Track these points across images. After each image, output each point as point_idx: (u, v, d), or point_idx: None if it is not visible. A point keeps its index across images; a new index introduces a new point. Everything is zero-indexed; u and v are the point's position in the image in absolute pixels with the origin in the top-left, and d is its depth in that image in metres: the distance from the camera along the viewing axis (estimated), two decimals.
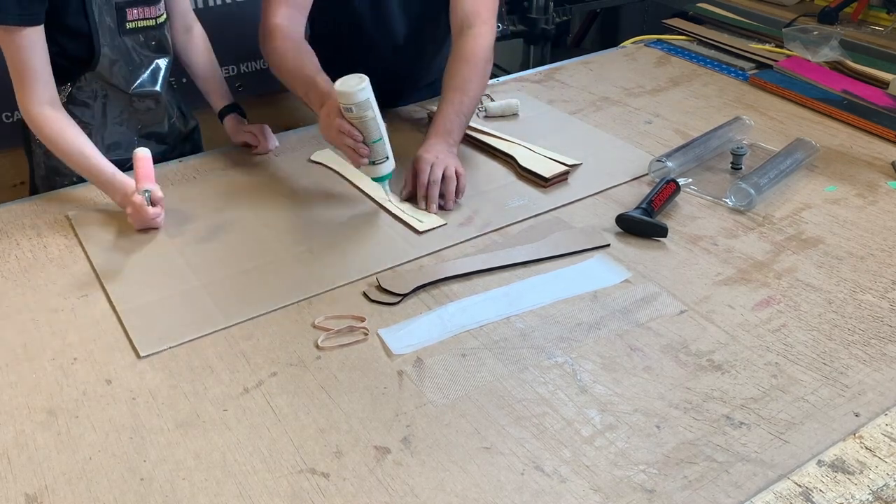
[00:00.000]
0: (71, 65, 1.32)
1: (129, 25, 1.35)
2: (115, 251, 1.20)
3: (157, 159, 1.48)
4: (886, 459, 0.85)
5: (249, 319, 1.06)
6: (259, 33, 1.43)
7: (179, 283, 1.13)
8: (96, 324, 1.06)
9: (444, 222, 1.27)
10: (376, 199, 1.32)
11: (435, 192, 1.30)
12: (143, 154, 1.24)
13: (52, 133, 1.27)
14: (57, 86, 1.29)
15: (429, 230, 1.25)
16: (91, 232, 1.25)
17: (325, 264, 1.17)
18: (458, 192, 1.32)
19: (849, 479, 0.82)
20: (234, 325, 1.05)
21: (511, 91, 1.76)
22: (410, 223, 1.26)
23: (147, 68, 1.41)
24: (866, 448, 0.86)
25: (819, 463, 0.84)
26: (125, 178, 1.27)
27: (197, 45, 1.51)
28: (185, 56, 1.51)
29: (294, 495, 0.81)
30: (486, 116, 1.60)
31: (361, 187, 1.36)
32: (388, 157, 1.26)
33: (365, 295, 1.11)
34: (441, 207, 1.30)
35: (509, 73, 1.92)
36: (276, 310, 1.08)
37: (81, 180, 1.38)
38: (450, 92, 1.40)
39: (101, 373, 0.98)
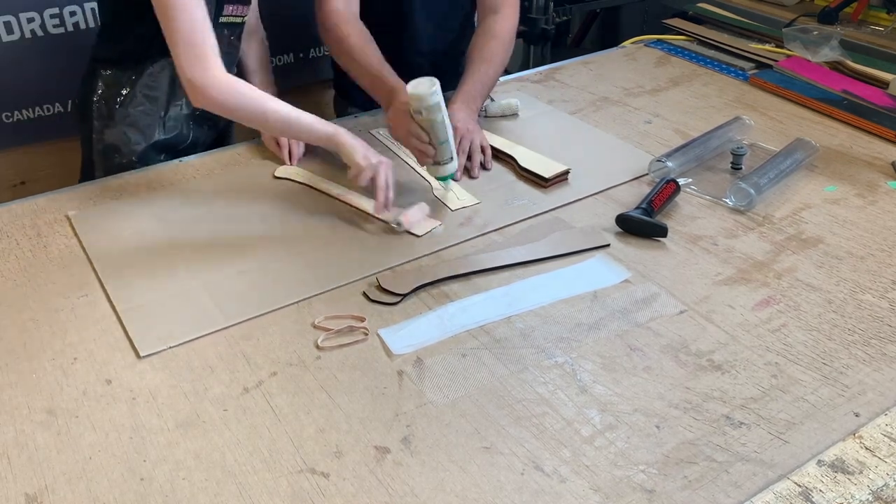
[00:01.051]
0: (160, 48, 1.30)
1: (221, 19, 1.38)
2: (115, 251, 1.20)
3: (211, 145, 1.56)
4: (886, 459, 0.85)
5: (249, 319, 1.06)
6: (317, 19, 1.48)
7: (179, 283, 1.13)
8: (96, 324, 1.06)
9: (477, 201, 1.33)
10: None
11: (466, 162, 1.38)
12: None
13: (241, 95, 1.22)
14: (142, 65, 1.35)
15: (556, 174, 1.35)
16: (91, 232, 1.25)
17: (325, 264, 1.17)
18: (485, 164, 1.41)
19: (849, 479, 0.82)
20: (234, 325, 1.05)
21: (511, 91, 1.76)
22: (538, 172, 1.35)
23: (224, 61, 1.42)
24: (866, 448, 0.86)
25: (819, 463, 0.84)
26: (321, 120, 1.26)
27: (254, 41, 1.56)
28: (244, 50, 1.55)
29: (294, 495, 0.82)
30: (485, 116, 1.59)
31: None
32: (452, 158, 1.30)
33: (365, 295, 1.11)
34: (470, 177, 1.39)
35: (509, 73, 1.91)
36: (276, 310, 1.08)
37: (138, 161, 1.43)
38: (476, 62, 1.48)
39: (101, 373, 0.98)
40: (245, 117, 1.26)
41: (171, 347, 1.01)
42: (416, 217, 1.25)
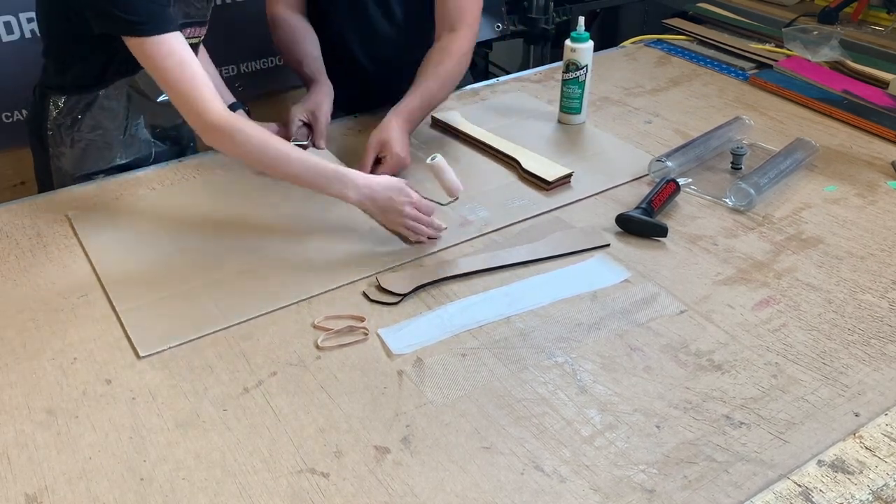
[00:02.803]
0: (115, 72, 1.31)
1: None
2: (115, 251, 1.20)
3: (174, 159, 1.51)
4: (886, 459, 0.85)
5: (249, 319, 1.06)
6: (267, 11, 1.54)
7: (179, 283, 1.13)
8: (96, 324, 1.06)
9: (570, 171, 1.38)
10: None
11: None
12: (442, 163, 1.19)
13: (246, 138, 1.16)
14: (90, 91, 1.31)
15: (558, 178, 1.36)
16: (91, 232, 1.25)
17: (325, 264, 1.17)
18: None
19: (849, 479, 0.82)
20: (234, 325, 1.05)
21: (511, 91, 1.76)
22: (540, 175, 1.36)
23: None
24: (866, 448, 0.86)
25: (819, 463, 0.84)
26: (353, 171, 1.19)
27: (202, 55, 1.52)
28: None
29: (294, 495, 0.81)
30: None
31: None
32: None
33: (365, 295, 1.11)
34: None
35: (509, 73, 1.92)
36: (276, 310, 1.08)
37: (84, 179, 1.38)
38: (429, 79, 1.43)
39: (100, 373, 0.98)
40: (268, 159, 1.19)
41: (170, 347, 1.01)
42: (451, 181, 1.22)
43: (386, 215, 1.20)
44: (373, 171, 1.30)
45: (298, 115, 1.45)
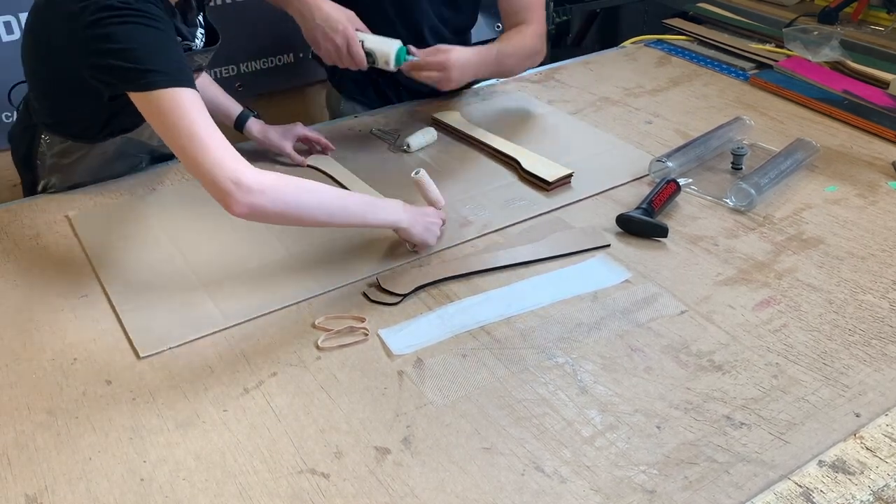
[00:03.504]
0: (119, 127, 1.27)
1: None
2: (115, 251, 1.20)
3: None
4: (887, 460, 0.85)
5: (249, 319, 1.06)
6: None
7: (179, 283, 1.13)
8: (96, 324, 1.06)
9: (570, 171, 1.37)
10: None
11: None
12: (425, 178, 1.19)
13: (288, 190, 1.02)
14: (87, 141, 1.28)
15: (559, 178, 1.36)
16: (91, 232, 1.25)
17: (325, 264, 1.17)
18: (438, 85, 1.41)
19: (849, 480, 0.82)
20: (234, 326, 1.05)
21: (511, 91, 1.76)
22: (541, 175, 1.36)
23: None
24: (867, 448, 0.86)
25: (820, 463, 0.84)
26: (385, 207, 1.13)
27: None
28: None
29: (294, 495, 0.81)
30: (409, 152, 1.51)
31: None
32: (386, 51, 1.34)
33: (365, 295, 1.11)
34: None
35: None
36: (276, 310, 1.08)
37: None
38: (503, 42, 1.51)
39: (100, 373, 0.98)
40: (312, 209, 1.06)
41: (170, 348, 1.01)
42: (434, 194, 1.22)
43: (426, 230, 1.17)
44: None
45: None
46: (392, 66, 1.36)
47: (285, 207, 1.02)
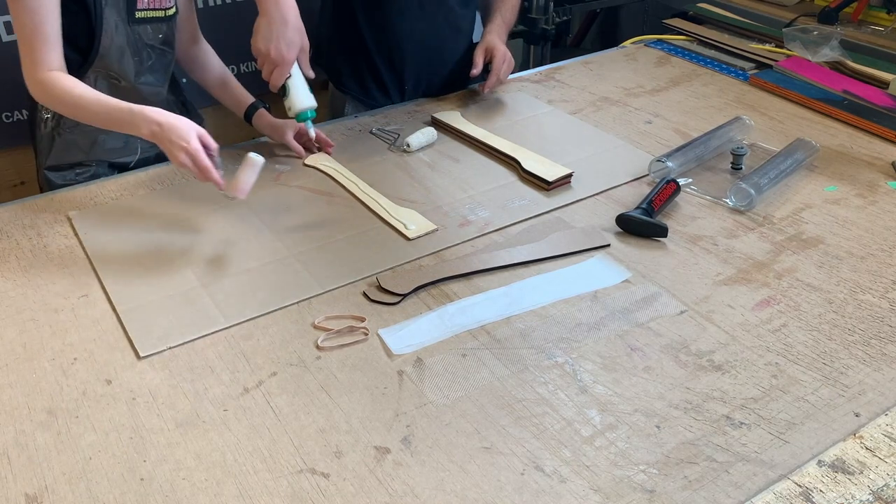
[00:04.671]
0: (73, 56, 1.30)
1: (138, 14, 1.34)
2: (115, 251, 1.20)
3: (165, 158, 1.50)
4: (887, 460, 0.85)
5: (249, 319, 1.06)
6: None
7: (179, 283, 1.13)
8: (96, 324, 1.06)
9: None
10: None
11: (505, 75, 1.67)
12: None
13: (62, 90, 1.23)
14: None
15: (558, 178, 1.37)
16: (91, 232, 1.25)
17: (325, 264, 1.17)
18: (501, 77, 1.67)
19: (849, 480, 0.82)
20: (234, 325, 1.05)
21: (511, 91, 1.76)
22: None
23: (154, 61, 1.40)
24: (866, 448, 0.86)
25: (819, 463, 0.84)
26: (150, 108, 1.22)
27: (210, 56, 1.52)
28: (198, 67, 1.52)
29: (294, 495, 0.81)
30: (409, 152, 1.51)
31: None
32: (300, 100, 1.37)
33: (365, 295, 1.11)
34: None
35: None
36: (276, 310, 1.08)
37: (85, 178, 1.38)
38: (500, 9, 1.75)
39: (101, 373, 0.98)
40: (77, 106, 1.25)
41: (170, 348, 1.01)
42: (242, 181, 1.20)
43: (166, 149, 1.20)
44: (485, 76, 1.66)
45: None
46: (291, 114, 1.40)
47: (62, 111, 1.29)
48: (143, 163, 1.47)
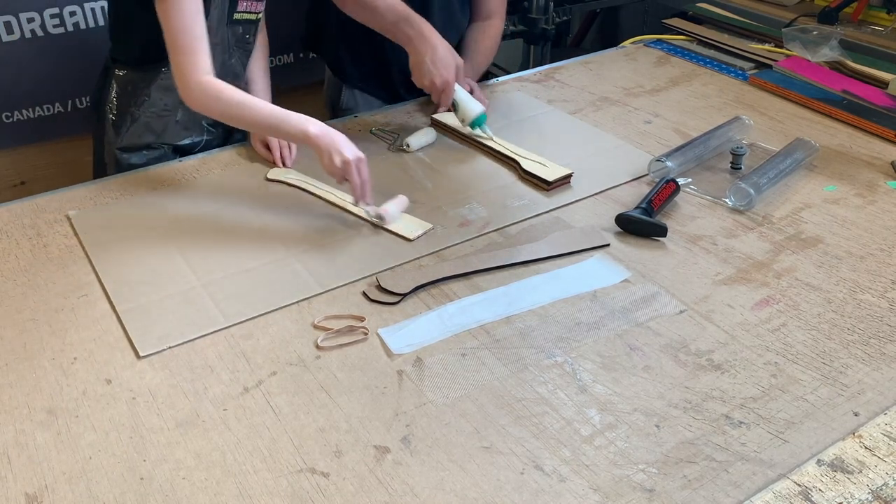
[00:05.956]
0: (161, 54, 1.31)
1: (236, 16, 1.38)
2: (115, 251, 1.20)
3: (226, 143, 1.57)
4: (886, 459, 0.85)
5: (249, 319, 1.06)
6: None
7: (179, 283, 1.13)
8: (96, 324, 1.06)
9: (570, 171, 1.38)
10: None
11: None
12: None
13: (227, 95, 1.24)
14: (157, 65, 1.35)
15: (558, 178, 1.37)
16: (91, 232, 1.25)
17: (324, 264, 1.17)
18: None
19: (848, 479, 0.83)
20: (233, 325, 1.05)
21: (511, 91, 1.76)
22: (540, 175, 1.36)
23: (235, 60, 1.44)
24: (866, 447, 0.86)
25: (818, 462, 0.84)
26: (299, 115, 1.25)
27: (258, 51, 1.55)
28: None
29: (294, 495, 0.82)
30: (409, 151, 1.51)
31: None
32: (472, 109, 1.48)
33: (365, 295, 1.11)
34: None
35: (509, 72, 1.92)
36: (275, 309, 1.08)
37: (153, 160, 1.46)
38: (474, 54, 1.71)
39: (100, 372, 0.98)
40: (227, 119, 1.29)
41: (170, 347, 1.01)
42: (393, 211, 1.25)
43: (324, 156, 1.23)
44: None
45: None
46: (466, 125, 1.50)
47: (220, 115, 1.29)
48: (207, 146, 1.53)
